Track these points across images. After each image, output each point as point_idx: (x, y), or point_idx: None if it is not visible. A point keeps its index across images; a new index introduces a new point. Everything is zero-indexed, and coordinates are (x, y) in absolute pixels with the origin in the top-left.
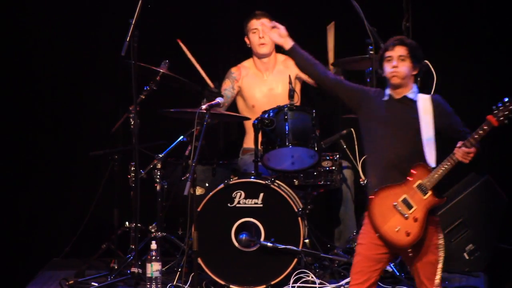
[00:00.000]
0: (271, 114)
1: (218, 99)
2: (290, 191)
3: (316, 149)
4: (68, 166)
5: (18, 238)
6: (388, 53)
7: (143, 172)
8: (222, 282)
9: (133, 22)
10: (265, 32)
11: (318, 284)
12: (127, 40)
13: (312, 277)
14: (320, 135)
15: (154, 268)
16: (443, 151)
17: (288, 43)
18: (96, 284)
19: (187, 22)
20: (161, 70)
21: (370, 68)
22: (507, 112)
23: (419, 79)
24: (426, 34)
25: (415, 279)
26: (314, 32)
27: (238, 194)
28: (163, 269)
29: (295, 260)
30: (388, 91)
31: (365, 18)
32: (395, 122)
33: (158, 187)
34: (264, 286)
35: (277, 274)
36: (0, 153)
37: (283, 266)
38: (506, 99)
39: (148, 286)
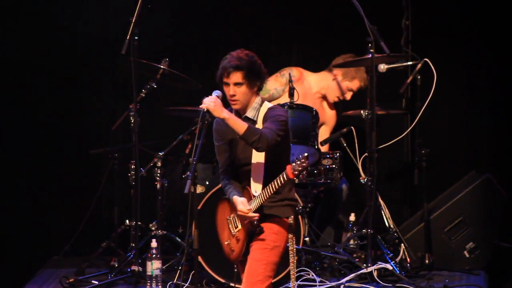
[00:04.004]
0: None
1: (215, 93)
2: None
3: (316, 147)
4: (68, 164)
5: (19, 236)
6: (225, 79)
7: (143, 170)
8: (223, 280)
9: (133, 21)
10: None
11: (318, 282)
12: (128, 38)
13: (312, 275)
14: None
15: (154, 266)
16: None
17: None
18: (97, 282)
19: (187, 22)
20: (162, 66)
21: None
22: (300, 168)
23: (419, 77)
24: (426, 32)
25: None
26: (315, 32)
27: None
28: (164, 267)
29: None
30: (233, 111)
31: (365, 17)
32: (238, 143)
33: (158, 185)
34: None
35: (277, 272)
36: (0, 151)
37: (283, 264)
38: (304, 155)
39: (149, 284)
